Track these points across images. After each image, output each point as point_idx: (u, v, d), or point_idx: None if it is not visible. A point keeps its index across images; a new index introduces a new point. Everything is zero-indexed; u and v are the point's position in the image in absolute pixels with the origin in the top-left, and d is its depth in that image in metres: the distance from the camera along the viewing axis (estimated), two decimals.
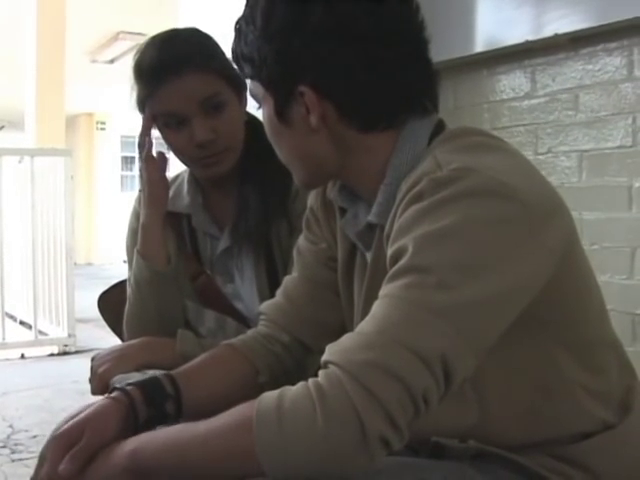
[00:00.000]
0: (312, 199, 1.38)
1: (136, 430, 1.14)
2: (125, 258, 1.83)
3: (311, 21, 1.08)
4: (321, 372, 0.93)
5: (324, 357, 0.95)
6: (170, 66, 1.59)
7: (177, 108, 1.61)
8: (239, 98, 1.65)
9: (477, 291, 0.93)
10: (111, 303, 1.88)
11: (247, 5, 1.17)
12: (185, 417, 1.23)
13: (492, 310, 0.95)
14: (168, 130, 1.65)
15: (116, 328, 1.85)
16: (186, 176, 1.80)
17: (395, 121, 1.13)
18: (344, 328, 1.30)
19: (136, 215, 1.81)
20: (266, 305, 1.42)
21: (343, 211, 1.26)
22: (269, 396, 0.93)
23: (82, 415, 1.12)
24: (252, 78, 1.18)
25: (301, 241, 1.41)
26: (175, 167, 1.88)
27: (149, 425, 1.18)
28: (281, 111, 1.14)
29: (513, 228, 0.97)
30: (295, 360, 1.40)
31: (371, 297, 1.00)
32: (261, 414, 0.91)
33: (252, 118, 1.68)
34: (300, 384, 0.93)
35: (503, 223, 0.96)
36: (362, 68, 1.09)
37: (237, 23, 1.18)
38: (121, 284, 1.86)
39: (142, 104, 1.67)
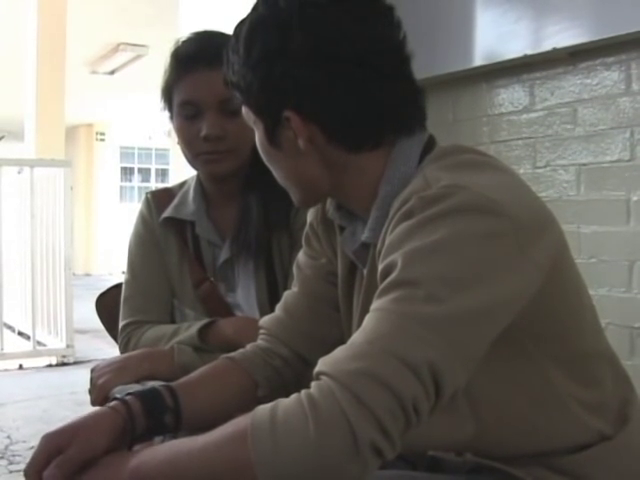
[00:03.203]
0: (312, 215, 1.39)
1: (133, 440, 1.16)
2: (124, 269, 1.84)
3: (291, 47, 1.10)
4: (313, 383, 0.94)
5: (316, 369, 0.96)
6: (204, 57, 1.64)
7: (198, 98, 1.65)
8: None
9: (465, 304, 0.94)
10: (108, 305, 1.90)
11: (233, 34, 1.19)
12: (184, 429, 1.24)
13: (479, 323, 0.96)
14: (182, 120, 1.68)
15: (112, 330, 1.86)
16: (192, 184, 1.82)
17: (383, 140, 1.14)
18: (343, 343, 1.31)
19: (142, 218, 1.83)
20: (266, 320, 1.43)
21: (342, 228, 1.27)
22: (263, 408, 0.94)
23: (76, 420, 1.12)
24: (243, 104, 1.21)
25: (301, 256, 1.42)
26: (176, 176, 1.91)
27: (147, 435, 1.19)
28: (271, 135, 1.17)
29: (501, 243, 0.98)
30: (294, 374, 1.40)
31: (366, 313, 1.01)
32: (255, 426, 0.92)
33: None
34: (293, 396, 0.94)
35: (491, 238, 0.98)
36: (343, 90, 1.10)
37: (225, 52, 1.21)
38: (118, 286, 1.88)
39: (169, 89, 1.71)
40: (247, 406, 1.24)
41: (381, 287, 0.99)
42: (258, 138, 1.21)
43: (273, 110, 1.14)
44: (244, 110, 1.22)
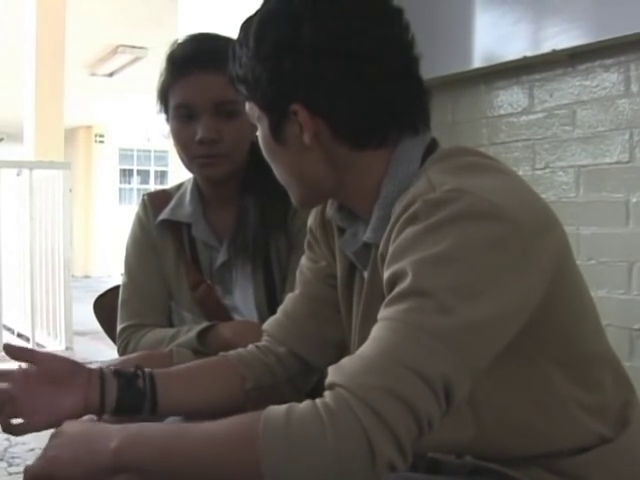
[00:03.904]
0: (311, 219, 1.39)
1: (103, 395, 1.25)
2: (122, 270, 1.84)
3: (301, 41, 1.10)
4: (328, 393, 0.92)
5: (329, 379, 0.95)
6: (199, 60, 1.64)
7: (192, 101, 1.65)
8: None
9: (476, 314, 0.94)
10: (106, 307, 1.90)
11: (241, 28, 1.19)
12: (160, 411, 1.29)
13: (490, 332, 0.96)
14: (178, 122, 1.68)
15: (111, 331, 1.86)
16: (189, 186, 1.81)
17: (387, 139, 1.15)
18: (342, 344, 1.32)
19: (139, 220, 1.83)
20: (267, 322, 1.44)
21: (342, 230, 1.27)
22: (276, 412, 0.92)
23: None
24: (248, 99, 1.21)
25: (303, 261, 1.43)
26: (175, 178, 1.90)
27: (123, 403, 1.27)
28: (276, 130, 1.16)
29: (507, 249, 0.98)
30: (287, 373, 1.40)
31: (367, 315, 1.01)
32: (268, 430, 0.90)
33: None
34: (307, 403, 0.92)
35: (497, 245, 0.97)
36: (352, 86, 1.11)
37: (232, 46, 1.21)
38: (116, 288, 1.87)
39: (164, 92, 1.70)
40: (231, 398, 1.33)
41: (391, 296, 0.99)
42: (262, 134, 1.21)
43: (280, 103, 1.14)
44: (248, 106, 1.21)
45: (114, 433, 1.00)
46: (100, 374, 1.29)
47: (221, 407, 1.30)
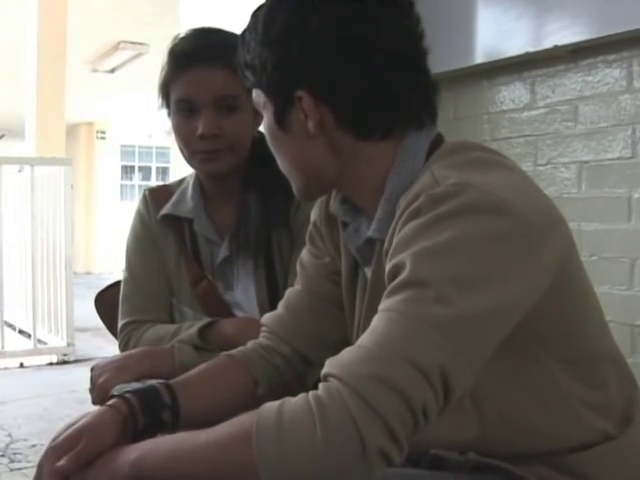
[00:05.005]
0: (315, 213, 1.39)
1: (135, 437, 1.15)
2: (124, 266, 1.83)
3: (309, 27, 1.11)
4: (321, 385, 0.93)
5: (324, 370, 0.95)
6: (200, 54, 1.64)
7: (193, 95, 1.64)
8: (255, 111, 1.66)
9: (475, 306, 0.93)
10: (107, 303, 1.90)
11: (252, 15, 1.20)
12: (182, 426, 1.23)
13: (488, 325, 0.96)
14: (179, 117, 1.68)
15: (112, 327, 1.86)
16: (191, 181, 1.81)
17: (392, 131, 1.14)
18: (345, 341, 1.30)
19: (140, 216, 1.82)
20: (268, 317, 1.43)
21: (345, 225, 1.26)
22: (269, 409, 0.93)
23: (80, 423, 1.12)
24: (254, 86, 1.21)
25: (304, 254, 1.42)
26: (177, 174, 1.90)
27: (147, 433, 1.18)
28: (280, 117, 1.16)
29: (510, 244, 0.97)
30: (295, 372, 1.40)
31: (371, 312, 1.00)
32: (261, 427, 0.91)
33: (261, 133, 1.70)
34: (300, 396, 0.93)
35: (500, 239, 0.97)
36: (358, 74, 1.11)
37: (242, 32, 1.21)
38: (117, 284, 1.87)
39: (166, 86, 1.70)
40: (246, 403, 1.24)
41: (390, 287, 0.99)
42: (266, 122, 1.20)
43: (286, 89, 1.14)
44: (254, 93, 1.21)
45: (135, 448, 1.04)
46: (131, 413, 1.17)
47: (234, 411, 1.28)
